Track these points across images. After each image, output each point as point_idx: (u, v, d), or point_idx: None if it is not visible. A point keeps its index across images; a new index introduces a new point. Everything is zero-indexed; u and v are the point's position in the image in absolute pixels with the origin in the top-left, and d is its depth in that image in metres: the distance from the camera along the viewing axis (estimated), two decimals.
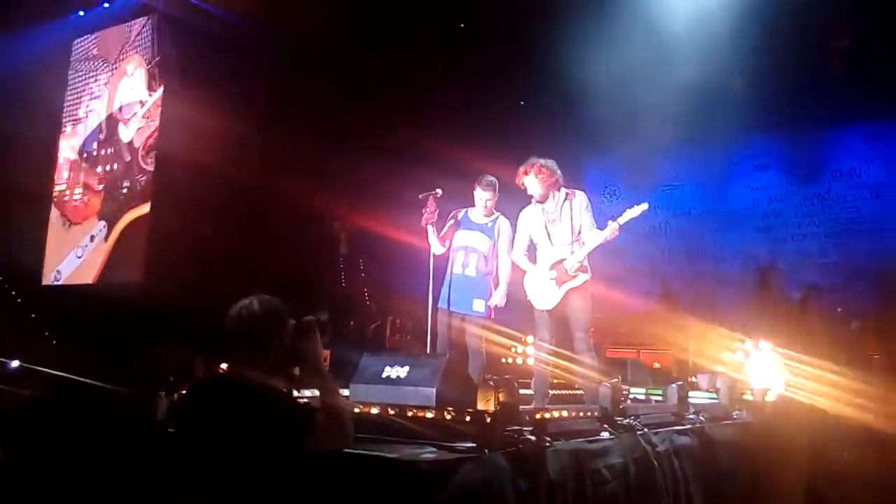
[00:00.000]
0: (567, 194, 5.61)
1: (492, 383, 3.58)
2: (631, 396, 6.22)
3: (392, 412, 3.51)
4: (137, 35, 11.29)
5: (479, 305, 5.77)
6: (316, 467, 2.70)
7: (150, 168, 10.56)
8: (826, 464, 6.08)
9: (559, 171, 5.58)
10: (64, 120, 11.92)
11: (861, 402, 6.34)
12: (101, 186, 11.19)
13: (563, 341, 5.54)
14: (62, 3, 11.46)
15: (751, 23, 8.84)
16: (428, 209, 5.86)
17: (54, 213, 11.61)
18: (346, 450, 2.75)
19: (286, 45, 10.40)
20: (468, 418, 3.30)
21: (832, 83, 10.28)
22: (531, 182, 5.56)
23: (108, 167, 11.20)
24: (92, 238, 11.05)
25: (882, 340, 8.74)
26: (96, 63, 11.81)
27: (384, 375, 3.92)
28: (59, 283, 11.18)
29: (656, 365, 9.22)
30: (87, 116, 11.72)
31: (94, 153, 11.44)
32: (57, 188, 11.71)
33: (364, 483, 2.84)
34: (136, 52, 11.24)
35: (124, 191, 10.81)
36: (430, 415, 3.43)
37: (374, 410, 3.57)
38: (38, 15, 11.16)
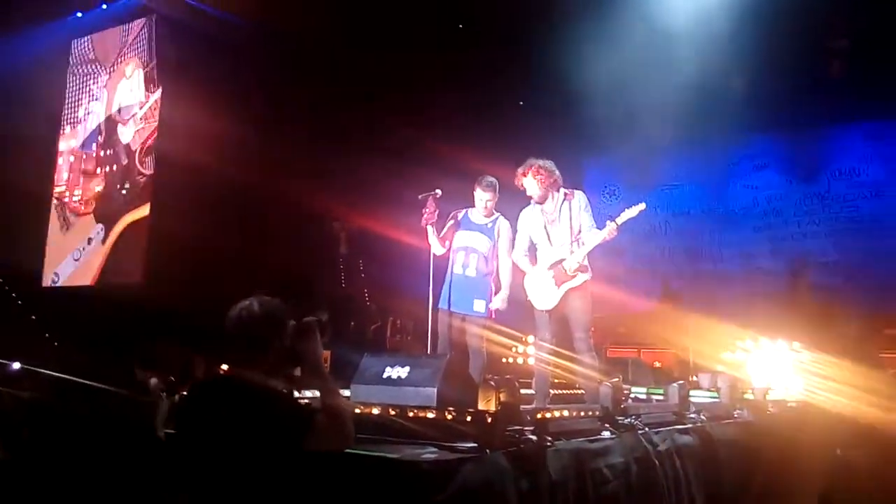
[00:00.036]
0: (566, 194, 5.61)
1: (493, 383, 3.58)
2: (632, 396, 6.22)
3: (393, 412, 3.50)
4: (136, 37, 11.28)
5: (479, 306, 5.77)
6: (317, 468, 2.70)
7: (148, 170, 10.55)
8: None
9: (558, 172, 5.59)
10: (63, 121, 11.92)
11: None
12: (99, 188, 11.19)
13: (563, 341, 5.54)
14: (60, 5, 11.45)
15: (750, 22, 8.83)
16: (427, 209, 5.87)
17: (53, 215, 11.60)
18: (346, 450, 2.75)
19: (284, 45, 10.39)
20: (469, 418, 3.30)
21: (832, 82, 10.28)
22: (530, 183, 5.57)
23: (106, 168, 11.19)
24: (90, 241, 11.04)
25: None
26: (95, 65, 11.80)
27: (385, 376, 3.92)
28: (58, 285, 11.17)
29: (657, 364, 9.23)
30: (86, 118, 11.71)
31: (94, 154, 11.44)
32: (56, 189, 11.71)
33: (365, 483, 2.83)
34: (135, 54, 11.23)
35: (123, 192, 10.80)
36: (431, 415, 3.43)
37: (375, 411, 3.56)
38: (36, 16, 11.16)
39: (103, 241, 10.86)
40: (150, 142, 10.62)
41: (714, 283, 11.40)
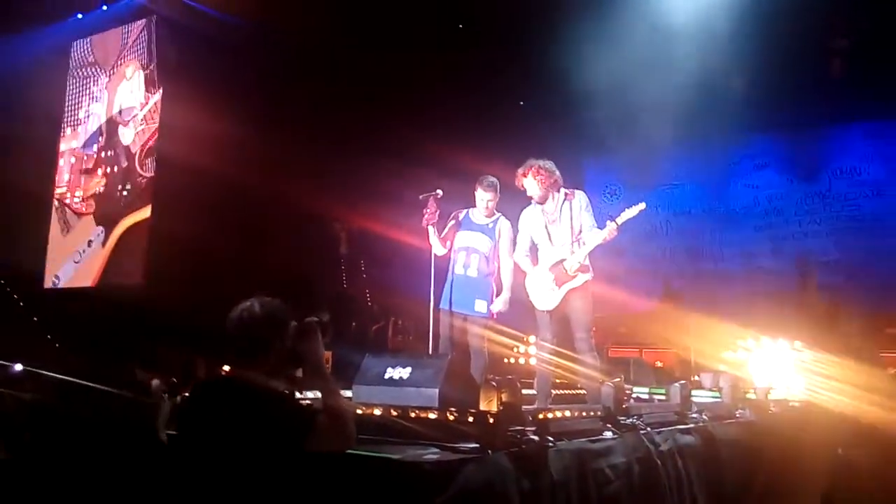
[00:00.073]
0: (566, 194, 5.61)
1: (494, 384, 3.58)
2: (634, 396, 6.21)
3: (394, 413, 3.50)
4: (136, 38, 11.28)
5: (480, 306, 5.77)
6: (319, 468, 2.70)
7: (148, 172, 10.56)
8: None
9: (558, 172, 5.59)
10: (64, 123, 11.93)
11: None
12: (100, 189, 11.19)
13: (565, 341, 5.54)
14: (60, 6, 11.46)
15: (750, 22, 8.83)
16: (428, 210, 5.87)
17: (53, 217, 11.60)
18: (348, 451, 2.75)
19: (284, 46, 10.39)
20: (471, 419, 3.29)
21: (832, 82, 10.28)
22: (530, 184, 5.57)
23: (107, 170, 11.20)
24: (90, 243, 11.04)
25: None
26: (94, 67, 11.81)
27: (386, 376, 3.92)
28: (58, 287, 11.18)
29: (659, 364, 9.22)
30: (87, 119, 11.72)
31: (95, 156, 11.44)
32: (57, 191, 11.71)
33: (367, 484, 2.83)
34: (135, 55, 11.24)
35: (124, 193, 10.81)
36: (432, 415, 3.42)
37: (377, 411, 3.56)
38: (36, 18, 11.17)
39: (103, 244, 10.86)
40: (150, 143, 10.63)
41: (715, 283, 11.40)
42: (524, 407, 3.64)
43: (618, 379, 4.56)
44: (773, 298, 10.19)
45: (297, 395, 3.34)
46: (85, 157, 11.57)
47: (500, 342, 6.02)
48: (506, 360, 8.64)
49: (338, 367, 6.85)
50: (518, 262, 5.77)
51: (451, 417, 3.35)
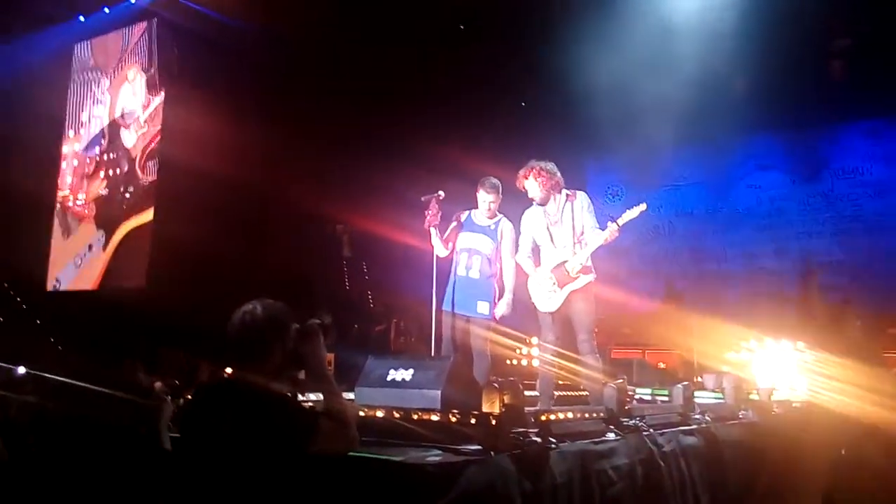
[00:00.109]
0: (568, 196, 5.60)
1: (496, 385, 3.57)
2: (636, 397, 6.20)
3: (397, 415, 3.49)
4: (137, 41, 11.31)
5: (483, 307, 5.77)
6: (321, 471, 2.70)
7: (149, 176, 10.59)
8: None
9: (559, 174, 5.58)
10: (67, 125, 11.95)
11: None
12: (103, 192, 11.21)
13: (567, 343, 5.53)
14: (62, 9, 11.48)
15: (752, 22, 8.83)
16: (430, 211, 5.86)
17: (55, 220, 11.63)
18: (351, 453, 2.75)
19: (286, 48, 10.41)
20: (473, 421, 3.29)
21: (834, 82, 10.27)
22: (531, 185, 5.56)
23: (110, 172, 11.22)
24: (90, 247, 11.07)
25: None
26: (95, 72, 11.83)
27: (389, 378, 3.92)
28: (59, 290, 11.20)
29: (662, 365, 9.21)
30: (89, 122, 11.74)
31: (97, 158, 11.46)
32: (60, 193, 11.74)
33: (370, 486, 2.83)
34: (136, 58, 11.27)
35: (127, 195, 10.83)
36: (435, 417, 3.42)
37: (380, 413, 3.55)
38: (38, 21, 11.19)
39: (104, 248, 10.89)
40: (151, 146, 10.65)
41: (718, 284, 11.39)
42: (527, 408, 3.63)
43: (620, 380, 4.55)
44: (776, 299, 10.19)
45: (300, 397, 3.33)
46: (87, 160, 11.60)
47: (503, 344, 6.02)
48: (508, 362, 8.66)
49: (340, 369, 6.86)
50: (520, 263, 5.77)
51: (454, 419, 3.35)
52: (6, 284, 10.53)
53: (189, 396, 3.13)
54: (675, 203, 12.20)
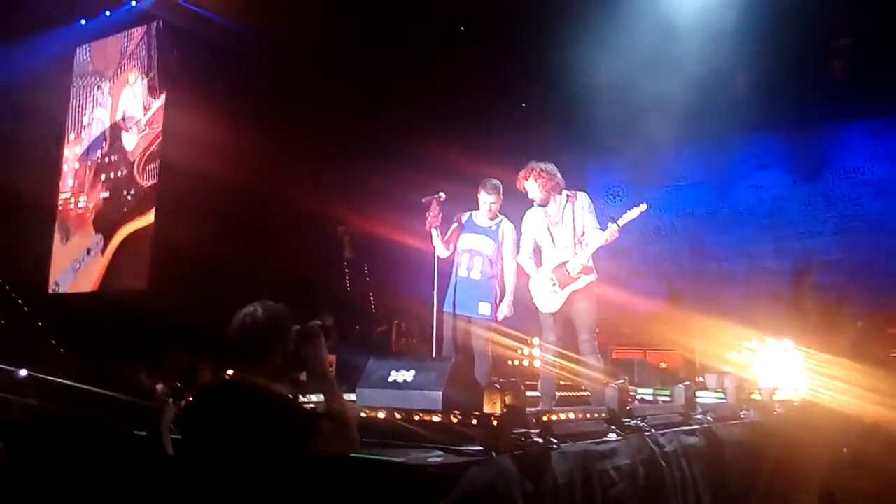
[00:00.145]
0: (568, 196, 5.60)
1: (498, 386, 3.58)
2: (638, 397, 6.20)
3: (398, 416, 3.50)
4: (138, 44, 11.32)
5: (484, 308, 5.76)
6: (323, 472, 2.70)
7: (148, 179, 10.60)
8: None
9: (559, 175, 5.58)
10: (68, 128, 11.97)
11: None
12: (105, 194, 11.23)
13: (569, 343, 5.53)
14: (64, 12, 11.49)
15: (753, 21, 8.83)
16: (431, 213, 5.86)
17: (55, 224, 11.65)
18: (352, 454, 2.75)
19: (287, 51, 10.42)
20: (474, 421, 3.30)
21: (835, 81, 10.27)
22: (531, 186, 5.57)
23: (111, 175, 11.24)
24: (88, 251, 11.08)
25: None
26: (99, 71, 11.84)
27: (390, 379, 3.92)
28: (59, 293, 11.23)
29: (663, 365, 9.20)
30: (90, 125, 11.76)
31: (98, 161, 11.48)
32: (61, 196, 11.75)
33: (371, 487, 2.84)
34: (136, 62, 11.28)
35: (128, 198, 10.84)
36: (436, 418, 3.43)
37: (381, 415, 3.56)
38: (40, 24, 11.21)
39: (102, 252, 10.90)
40: (152, 149, 10.66)
41: (719, 284, 11.38)
42: (528, 409, 3.64)
43: (622, 380, 4.55)
44: (777, 299, 10.18)
45: (301, 398, 3.34)
46: (88, 163, 11.61)
47: (504, 344, 6.02)
48: (509, 363, 8.67)
49: (342, 370, 6.86)
50: (522, 264, 5.77)
51: (455, 420, 3.35)
52: (7, 287, 10.54)
53: (190, 398, 3.14)
54: (676, 203, 12.20)
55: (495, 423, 3.24)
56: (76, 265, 11.19)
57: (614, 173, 12.63)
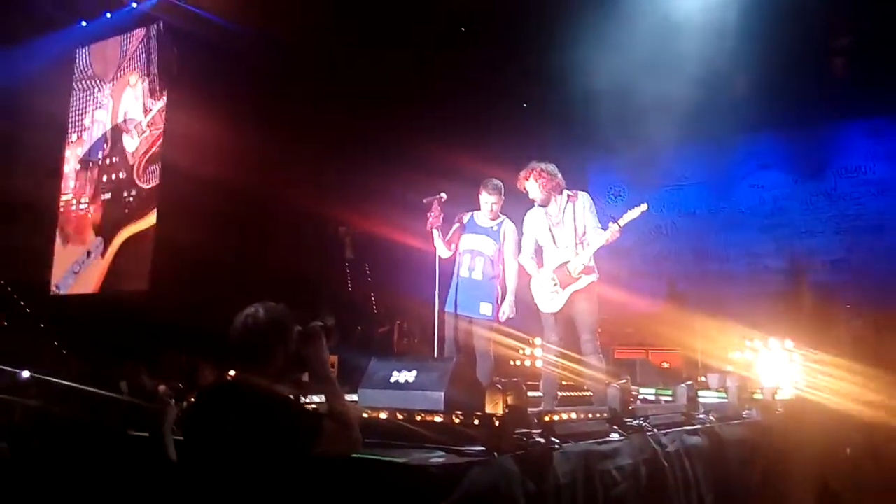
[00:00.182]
0: (569, 196, 5.60)
1: (500, 386, 3.57)
2: (640, 397, 6.20)
3: (400, 417, 3.50)
4: (138, 46, 11.33)
5: (486, 308, 5.77)
6: (325, 472, 2.70)
7: (148, 181, 10.61)
8: (841, 464, 6.06)
9: (559, 175, 5.58)
10: (70, 129, 11.98)
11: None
12: (106, 196, 11.24)
13: (571, 343, 5.53)
14: (65, 14, 11.50)
15: (753, 21, 8.83)
16: (433, 213, 5.87)
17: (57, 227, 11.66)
18: (354, 455, 2.75)
19: (287, 52, 10.42)
20: (477, 422, 3.30)
21: (836, 80, 10.26)
22: (532, 186, 5.57)
23: (112, 176, 11.25)
24: (88, 254, 11.10)
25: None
26: (100, 73, 11.85)
27: (392, 380, 3.92)
28: (60, 294, 11.24)
29: (665, 365, 9.19)
30: (92, 126, 11.77)
31: (100, 163, 11.49)
32: (63, 198, 11.76)
33: (373, 488, 2.84)
34: (139, 63, 11.29)
35: (129, 200, 10.85)
36: (438, 419, 3.43)
37: (383, 415, 3.56)
38: (41, 26, 11.22)
39: (102, 254, 10.91)
40: (153, 150, 10.67)
41: (721, 283, 11.38)
42: (530, 409, 3.64)
43: (624, 380, 4.55)
44: (779, 298, 10.18)
45: (303, 399, 3.34)
46: (90, 165, 11.62)
47: (506, 345, 6.02)
48: (511, 363, 8.67)
49: (344, 370, 6.86)
50: (523, 264, 5.77)
51: (457, 420, 3.35)
52: (9, 288, 10.55)
53: (192, 399, 3.14)
54: (678, 203, 12.19)
55: (497, 423, 3.24)
56: (76, 268, 11.20)
57: (615, 173, 12.62)
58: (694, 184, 12.19)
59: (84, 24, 11.86)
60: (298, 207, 10.26)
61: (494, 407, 3.46)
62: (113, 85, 11.59)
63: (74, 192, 11.70)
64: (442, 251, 5.94)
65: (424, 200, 5.95)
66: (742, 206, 11.81)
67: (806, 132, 11.32)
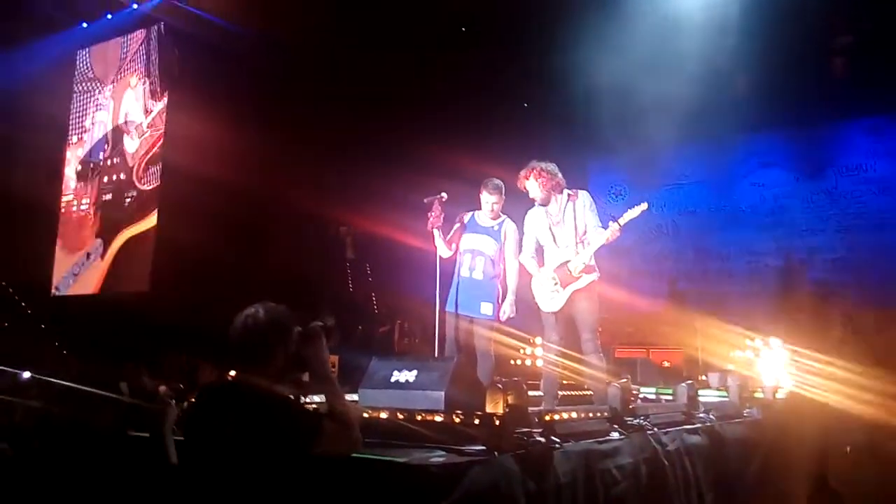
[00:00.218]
0: (569, 195, 5.60)
1: (500, 385, 3.58)
2: (640, 396, 6.21)
3: (401, 416, 3.50)
4: (139, 47, 11.34)
5: (486, 308, 5.77)
6: (326, 472, 2.70)
7: (147, 183, 10.62)
8: (841, 462, 6.06)
9: (560, 174, 5.58)
10: (70, 131, 11.99)
11: (877, 399, 6.32)
12: (107, 197, 11.25)
13: (571, 343, 5.53)
14: (65, 16, 11.51)
15: (754, 20, 8.83)
16: (433, 213, 5.87)
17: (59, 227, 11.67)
18: (355, 455, 2.76)
19: (288, 53, 10.42)
20: (477, 421, 3.30)
21: (837, 79, 10.25)
22: (532, 186, 5.57)
23: (113, 177, 11.25)
24: (88, 256, 11.10)
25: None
26: (100, 75, 11.86)
27: (393, 380, 3.92)
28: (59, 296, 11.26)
29: (666, 364, 9.20)
30: (92, 128, 11.77)
31: (101, 164, 11.49)
32: (64, 199, 11.77)
33: (374, 487, 2.84)
34: (139, 64, 11.29)
35: (130, 201, 10.86)
36: (438, 418, 3.43)
37: (384, 415, 3.56)
38: (42, 27, 11.22)
39: (102, 256, 10.92)
40: (153, 151, 10.68)
41: (722, 282, 11.38)
42: (530, 409, 3.64)
43: (624, 379, 4.57)
44: (780, 297, 10.18)
45: (303, 399, 3.34)
46: (91, 166, 11.62)
47: (507, 344, 6.02)
48: (512, 362, 8.67)
49: (344, 370, 6.86)
50: (524, 263, 5.77)
51: (458, 420, 3.36)
52: (10, 289, 10.56)
53: (192, 399, 3.15)
54: (678, 202, 12.19)
55: (498, 422, 3.24)
56: (76, 269, 11.21)
57: (616, 173, 12.62)
58: (694, 182, 12.18)
59: (85, 25, 11.86)
60: (299, 208, 10.26)
61: (495, 406, 3.47)
62: (114, 86, 11.60)
63: (75, 193, 11.71)
64: (443, 251, 5.95)
65: (425, 200, 5.95)
66: (743, 205, 11.80)
67: (806, 131, 11.31)
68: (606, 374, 5.26)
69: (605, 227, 5.39)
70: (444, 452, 3.07)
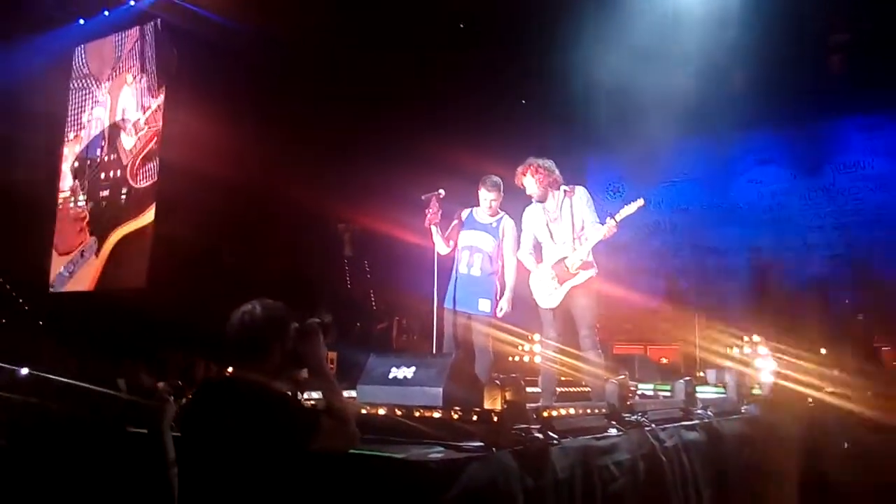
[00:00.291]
0: (566, 192, 5.60)
1: (498, 382, 3.58)
2: (638, 392, 6.20)
3: (399, 413, 3.50)
4: (135, 44, 11.32)
5: (484, 305, 5.77)
6: (323, 469, 2.70)
7: (143, 180, 10.61)
8: (839, 457, 6.07)
9: (557, 171, 5.58)
10: (67, 127, 11.97)
11: (854, 394, 6.34)
12: (103, 193, 11.24)
13: (569, 339, 5.53)
14: (63, 12, 11.49)
15: (752, 17, 8.82)
16: (431, 210, 5.87)
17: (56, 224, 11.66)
18: (352, 451, 2.76)
19: (285, 50, 10.41)
20: (475, 417, 3.30)
21: (834, 76, 10.26)
22: (529, 182, 5.57)
23: (110, 174, 11.25)
24: (82, 254, 11.10)
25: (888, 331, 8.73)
26: (97, 71, 11.84)
27: (391, 376, 3.93)
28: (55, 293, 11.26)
29: (664, 360, 9.21)
30: (89, 124, 11.76)
31: (98, 160, 11.48)
32: (61, 195, 11.76)
33: (372, 484, 2.84)
34: (137, 60, 11.28)
35: (127, 197, 10.85)
36: (437, 415, 3.43)
37: (382, 411, 3.56)
38: (39, 24, 11.20)
39: (96, 253, 10.91)
40: (150, 147, 10.67)
41: (719, 279, 11.38)
42: (528, 405, 3.64)
43: (622, 376, 4.56)
44: (777, 294, 10.19)
45: (300, 395, 3.34)
46: (88, 162, 11.61)
47: (505, 340, 6.02)
48: (510, 359, 8.65)
49: (342, 367, 6.87)
50: (522, 260, 5.78)
51: (456, 416, 3.36)
52: (8, 286, 10.55)
53: (190, 396, 3.14)
54: (676, 199, 12.18)
55: (496, 418, 3.25)
56: (71, 267, 11.21)
57: (614, 170, 12.61)
58: (692, 179, 12.18)
59: (82, 21, 11.83)
60: (297, 205, 10.25)
61: (493, 403, 3.47)
62: (111, 83, 11.58)
63: (72, 190, 11.69)
64: (441, 248, 5.95)
65: (423, 197, 5.95)
66: (740, 202, 11.80)
67: (804, 128, 11.31)
68: (604, 371, 5.26)
69: (603, 223, 5.39)
70: (442, 449, 3.07)
